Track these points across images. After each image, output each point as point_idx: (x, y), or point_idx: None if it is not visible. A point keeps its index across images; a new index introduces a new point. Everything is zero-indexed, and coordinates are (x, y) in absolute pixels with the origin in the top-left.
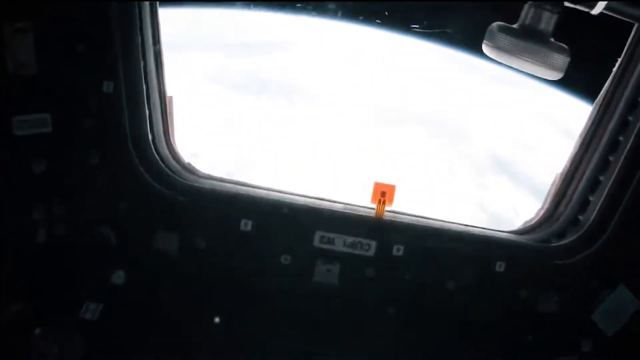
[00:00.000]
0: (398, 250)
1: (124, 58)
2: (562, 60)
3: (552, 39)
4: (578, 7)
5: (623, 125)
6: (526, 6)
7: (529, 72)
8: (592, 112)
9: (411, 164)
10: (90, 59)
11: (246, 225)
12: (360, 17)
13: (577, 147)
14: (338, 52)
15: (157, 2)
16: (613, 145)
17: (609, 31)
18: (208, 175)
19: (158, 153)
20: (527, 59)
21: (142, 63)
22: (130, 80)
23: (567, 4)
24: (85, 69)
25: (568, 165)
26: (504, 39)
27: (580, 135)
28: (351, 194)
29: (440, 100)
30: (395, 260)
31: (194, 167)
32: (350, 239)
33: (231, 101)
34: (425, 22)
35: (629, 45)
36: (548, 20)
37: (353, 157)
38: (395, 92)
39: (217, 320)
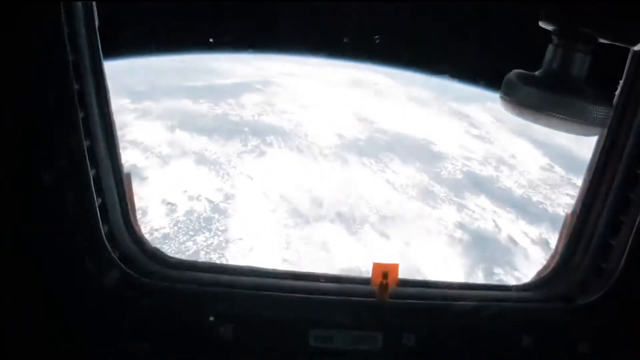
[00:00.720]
0: (408, 339)
1: (62, 139)
2: (603, 112)
3: (586, 87)
4: (617, 44)
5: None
6: (551, 47)
7: (560, 130)
8: (598, 142)
9: (389, 191)
10: (20, 144)
11: (226, 331)
12: (333, 53)
13: (588, 182)
14: (310, 87)
15: (102, 60)
16: (631, 181)
17: (605, 53)
18: (178, 261)
19: (115, 246)
20: (559, 115)
21: (85, 143)
22: (73, 166)
23: (602, 40)
24: (16, 158)
25: (580, 204)
26: (527, 92)
27: (588, 169)
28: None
29: (412, 124)
30: (407, 351)
31: (161, 254)
32: (351, 334)
33: (202, 145)
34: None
35: (628, 69)
36: (580, 64)
37: (330, 190)
38: (366, 122)
39: None
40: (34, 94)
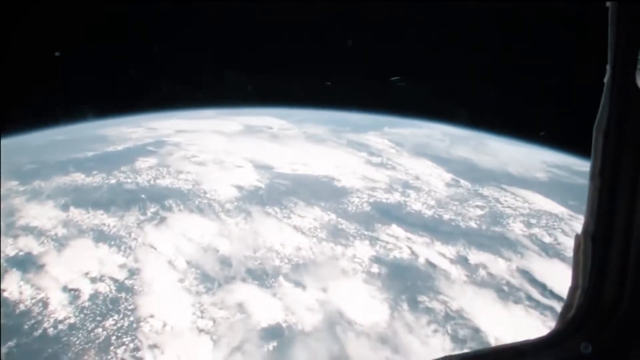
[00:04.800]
0: None
1: None
2: None
3: None
4: None
5: None
6: None
7: None
8: (598, 141)
9: (298, 237)
10: None
11: None
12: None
13: (598, 189)
14: (204, 141)
15: None
16: None
17: None
18: None
19: None
20: None
21: None
22: None
23: None
24: None
25: (594, 219)
26: None
27: (592, 177)
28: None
29: (311, 163)
30: None
31: None
32: None
33: (100, 221)
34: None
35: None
36: None
37: (238, 247)
38: (265, 169)
39: None
40: None
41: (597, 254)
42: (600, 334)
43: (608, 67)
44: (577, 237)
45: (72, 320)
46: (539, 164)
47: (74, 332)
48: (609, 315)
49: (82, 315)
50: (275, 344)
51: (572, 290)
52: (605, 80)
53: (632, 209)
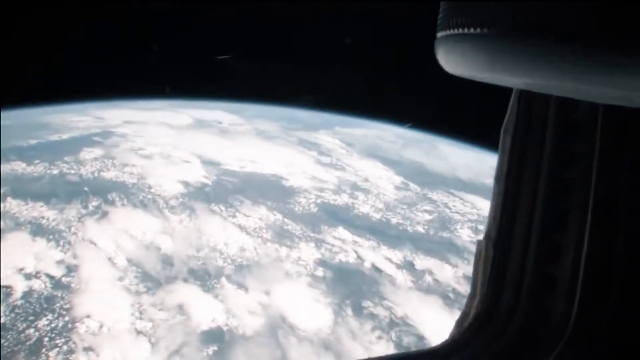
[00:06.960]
0: None
1: None
2: None
3: None
4: None
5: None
6: None
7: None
8: (505, 143)
9: (243, 237)
10: None
11: None
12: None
13: (502, 195)
14: (151, 133)
15: None
16: (560, 188)
17: None
18: None
19: None
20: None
21: None
22: None
23: None
24: None
25: (496, 225)
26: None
27: (497, 180)
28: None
29: (260, 161)
30: None
31: None
32: None
33: (39, 213)
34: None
35: None
36: None
37: (180, 245)
38: (212, 165)
39: None
40: None
41: (497, 260)
42: (494, 343)
43: None
44: (479, 243)
45: (1, 320)
46: (488, 169)
47: (2, 333)
48: (504, 325)
49: (13, 315)
50: (215, 347)
51: (470, 297)
52: None
53: (532, 214)
